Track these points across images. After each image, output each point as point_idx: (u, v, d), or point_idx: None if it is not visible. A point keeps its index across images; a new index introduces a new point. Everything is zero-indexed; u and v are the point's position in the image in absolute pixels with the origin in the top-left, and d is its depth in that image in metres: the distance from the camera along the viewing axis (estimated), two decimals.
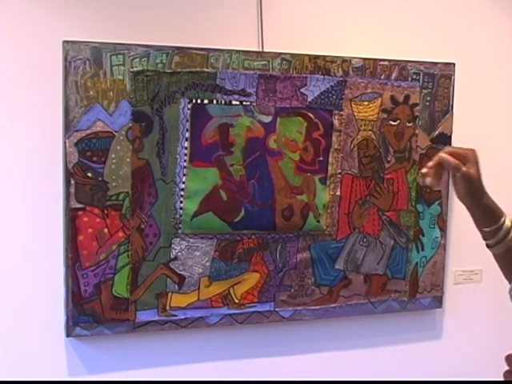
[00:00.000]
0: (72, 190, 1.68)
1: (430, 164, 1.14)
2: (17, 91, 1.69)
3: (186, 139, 1.76)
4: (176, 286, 1.80)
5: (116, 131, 1.70)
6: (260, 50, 1.87)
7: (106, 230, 1.71)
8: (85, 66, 1.66)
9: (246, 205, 1.83)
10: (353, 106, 1.92)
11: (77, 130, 1.67)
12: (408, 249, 2.04)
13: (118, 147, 1.71)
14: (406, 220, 2.03)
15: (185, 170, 1.77)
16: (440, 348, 2.21)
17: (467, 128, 2.13)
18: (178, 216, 1.78)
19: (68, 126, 1.66)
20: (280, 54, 1.83)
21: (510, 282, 1.18)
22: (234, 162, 1.81)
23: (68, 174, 1.68)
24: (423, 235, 2.06)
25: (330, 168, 1.92)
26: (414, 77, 1.98)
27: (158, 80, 1.72)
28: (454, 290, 2.20)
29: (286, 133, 1.85)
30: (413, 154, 2.01)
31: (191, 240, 1.80)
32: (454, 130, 2.06)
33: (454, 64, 2.04)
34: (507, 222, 1.16)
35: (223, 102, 1.78)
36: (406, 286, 2.06)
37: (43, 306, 1.75)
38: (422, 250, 2.07)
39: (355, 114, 1.92)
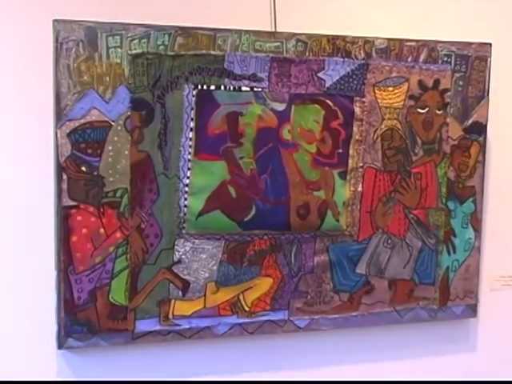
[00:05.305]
0: (64, 186, 1.66)
1: None
2: (2, 76, 1.67)
3: (191, 129, 1.73)
4: (180, 293, 1.78)
5: (113, 120, 1.68)
6: (273, 30, 1.85)
7: (101, 230, 1.69)
8: (78, 48, 1.63)
9: (257, 202, 1.80)
10: (376, 91, 1.88)
11: (69, 120, 1.65)
12: (438, 251, 2.00)
13: (116, 138, 1.68)
14: (436, 219, 1.98)
15: (189, 164, 1.74)
16: (474, 361, 2.16)
17: (504, 116, 2.09)
18: (181, 215, 1.75)
19: (59, 115, 1.64)
20: (295, 34, 1.80)
21: None
22: (243, 155, 1.78)
23: (60, 169, 1.65)
24: (455, 236, 2.02)
25: (350, 161, 1.88)
26: (445, 59, 1.94)
27: (159, 64, 1.69)
28: (490, 296, 2.15)
29: (302, 122, 1.82)
30: (443, 146, 1.97)
31: (196, 241, 1.77)
32: (489, 118, 2.00)
33: (490, 44, 1.98)
34: None
35: (232, 88, 1.75)
36: (436, 292, 2.01)
37: (32, 315, 1.73)
38: (454, 252, 2.02)
39: (379, 100, 1.88)
